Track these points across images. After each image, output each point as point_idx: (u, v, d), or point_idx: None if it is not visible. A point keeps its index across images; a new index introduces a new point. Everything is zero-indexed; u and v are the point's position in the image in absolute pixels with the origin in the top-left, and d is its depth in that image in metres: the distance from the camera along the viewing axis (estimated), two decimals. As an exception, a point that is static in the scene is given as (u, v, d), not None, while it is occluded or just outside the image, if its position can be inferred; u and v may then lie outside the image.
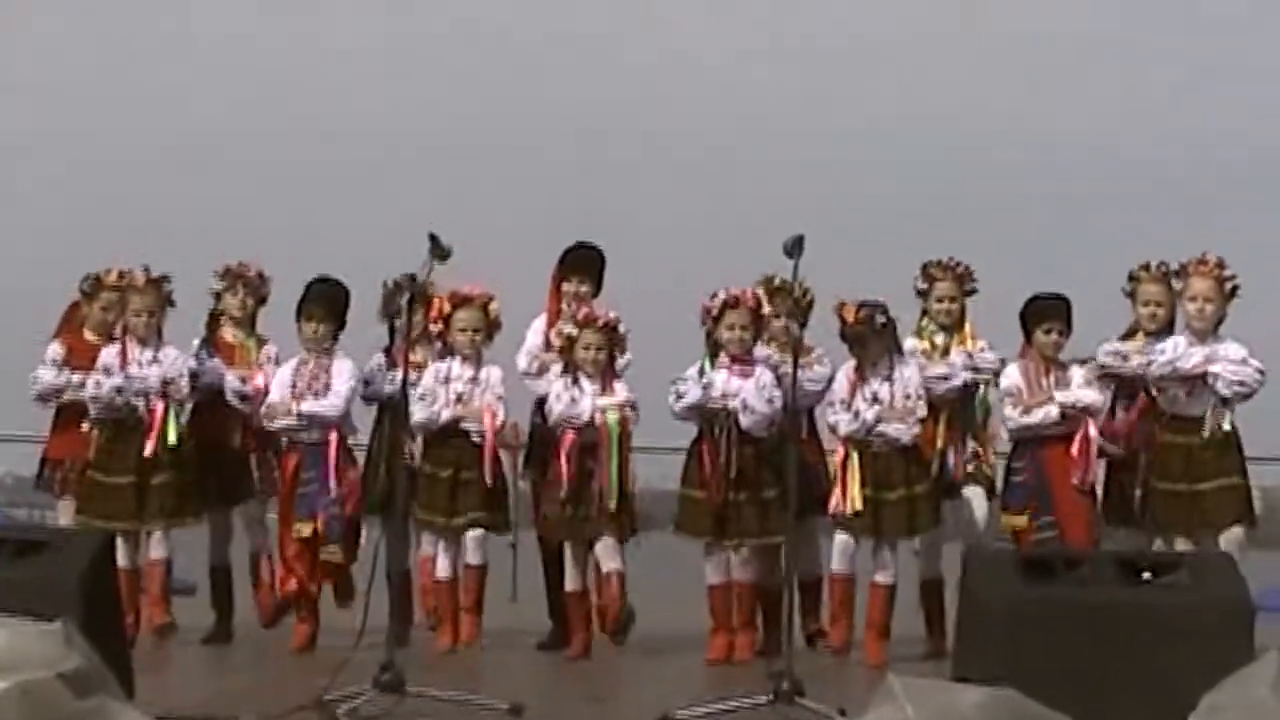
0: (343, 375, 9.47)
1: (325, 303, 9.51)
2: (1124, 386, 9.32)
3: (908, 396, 9.13)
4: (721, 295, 9.19)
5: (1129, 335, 9.41)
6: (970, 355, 9.51)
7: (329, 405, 9.41)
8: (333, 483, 9.33)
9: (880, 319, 9.15)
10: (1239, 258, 9.20)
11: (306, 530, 9.35)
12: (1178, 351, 9.02)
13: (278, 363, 9.69)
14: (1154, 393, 9.19)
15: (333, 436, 9.40)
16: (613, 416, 9.17)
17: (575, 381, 9.24)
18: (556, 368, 9.40)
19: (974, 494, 9.53)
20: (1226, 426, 9.00)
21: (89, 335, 9.89)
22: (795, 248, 8.34)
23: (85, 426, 9.53)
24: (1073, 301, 9.37)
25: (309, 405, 9.39)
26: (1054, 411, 9.11)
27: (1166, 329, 9.29)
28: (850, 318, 9.12)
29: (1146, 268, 9.36)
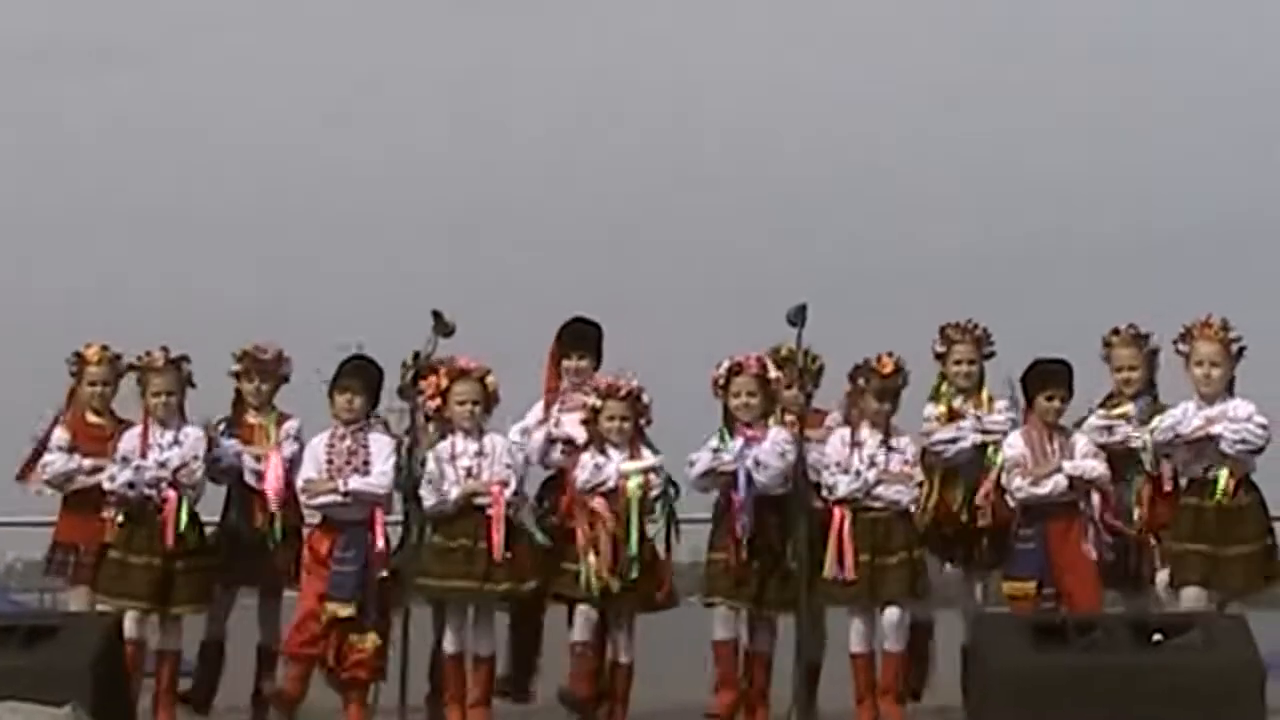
0: (383, 451, 9.29)
1: (360, 377, 9.38)
2: (1115, 458, 9.20)
3: (906, 462, 9.15)
4: (726, 363, 9.17)
5: (1108, 401, 9.38)
6: (979, 418, 9.48)
7: (375, 482, 9.21)
8: (374, 561, 9.11)
9: (908, 371, 9.26)
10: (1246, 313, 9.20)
11: (345, 611, 9.07)
12: (1184, 416, 8.99)
13: (298, 437, 9.54)
14: (1153, 461, 9.13)
15: (377, 514, 9.22)
16: (635, 480, 9.13)
17: (602, 451, 9.19)
18: (540, 432, 9.36)
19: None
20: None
21: (90, 417, 9.84)
22: (798, 316, 8.51)
23: (106, 514, 9.46)
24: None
25: (356, 482, 9.19)
26: (1063, 482, 9.06)
27: (1145, 390, 9.30)
28: (888, 370, 9.16)
29: (1117, 331, 9.35)
